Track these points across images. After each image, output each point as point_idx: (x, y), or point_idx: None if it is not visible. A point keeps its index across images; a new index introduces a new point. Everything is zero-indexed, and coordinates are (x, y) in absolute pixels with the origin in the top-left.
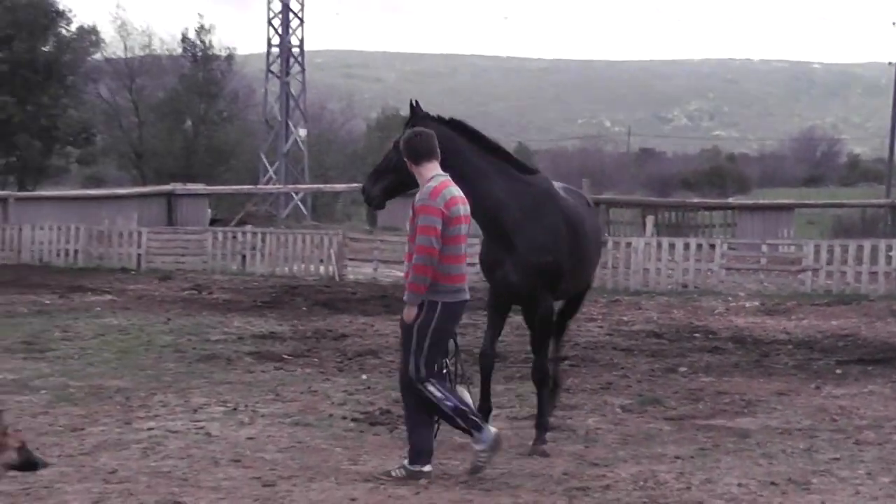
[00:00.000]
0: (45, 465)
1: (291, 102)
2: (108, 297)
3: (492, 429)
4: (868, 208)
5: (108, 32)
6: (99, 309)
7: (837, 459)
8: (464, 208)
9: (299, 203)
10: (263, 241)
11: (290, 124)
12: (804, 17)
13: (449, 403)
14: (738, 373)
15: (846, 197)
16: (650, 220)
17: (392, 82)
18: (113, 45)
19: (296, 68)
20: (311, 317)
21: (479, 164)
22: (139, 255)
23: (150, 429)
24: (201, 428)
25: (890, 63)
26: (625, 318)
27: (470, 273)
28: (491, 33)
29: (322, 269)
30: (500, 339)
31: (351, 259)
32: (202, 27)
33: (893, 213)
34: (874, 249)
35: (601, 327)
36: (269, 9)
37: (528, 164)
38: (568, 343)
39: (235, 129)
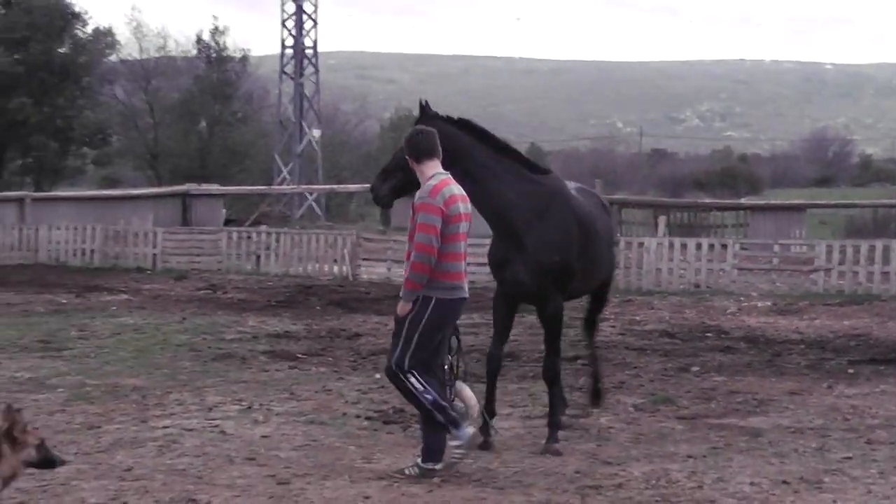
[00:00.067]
0: (63, 462)
1: (305, 103)
2: (124, 296)
3: (469, 427)
4: (880, 208)
5: (123, 34)
6: (115, 308)
7: (849, 458)
8: (464, 206)
9: (313, 203)
10: (278, 241)
11: (304, 125)
12: (816, 18)
13: (429, 397)
14: (750, 372)
15: (858, 197)
16: (662, 220)
17: (405, 83)
18: (128, 47)
19: (309, 70)
20: (326, 316)
21: (488, 163)
22: (155, 254)
23: (165, 427)
24: (216, 426)
25: None
26: (637, 318)
27: (481, 273)
28: (503, 35)
29: (336, 268)
30: (510, 339)
31: (364, 259)
32: (217, 29)
33: None
34: (886, 249)
35: (613, 327)
36: (282, 11)
37: (538, 164)
38: (580, 342)
39: (250, 129)
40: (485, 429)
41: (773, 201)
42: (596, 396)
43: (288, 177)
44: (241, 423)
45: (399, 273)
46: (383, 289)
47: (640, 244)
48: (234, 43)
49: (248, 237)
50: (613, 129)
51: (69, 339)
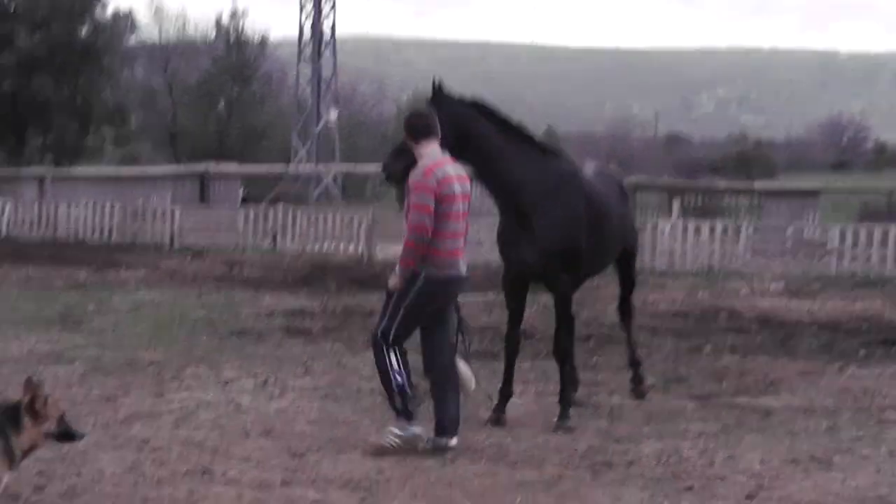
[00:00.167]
0: (83, 436)
1: (323, 85)
2: (142, 272)
3: (417, 429)
4: (894, 194)
5: (143, 17)
6: (133, 284)
7: (860, 438)
8: (460, 186)
9: (330, 183)
10: (294, 220)
11: (322, 107)
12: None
13: (399, 379)
14: (762, 353)
15: (873, 182)
16: (676, 203)
17: (422, 67)
18: (148, 30)
19: (327, 53)
20: (341, 294)
21: (499, 144)
22: (172, 232)
23: (182, 400)
24: (232, 400)
25: None
26: (650, 299)
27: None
28: (521, 21)
29: (352, 248)
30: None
31: (380, 238)
32: (235, 12)
33: None
34: None
35: None
36: None
37: (550, 146)
38: (594, 322)
39: (268, 111)
40: (500, 406)
41: (787, 185)
42: (637, 383)
43: (305, 157)
44: (256, 398)
45: None
46: None
47: (655, 226)
48: (253, 26)
49: (265, 216)
50: (629, 114)
51: (87, 314)
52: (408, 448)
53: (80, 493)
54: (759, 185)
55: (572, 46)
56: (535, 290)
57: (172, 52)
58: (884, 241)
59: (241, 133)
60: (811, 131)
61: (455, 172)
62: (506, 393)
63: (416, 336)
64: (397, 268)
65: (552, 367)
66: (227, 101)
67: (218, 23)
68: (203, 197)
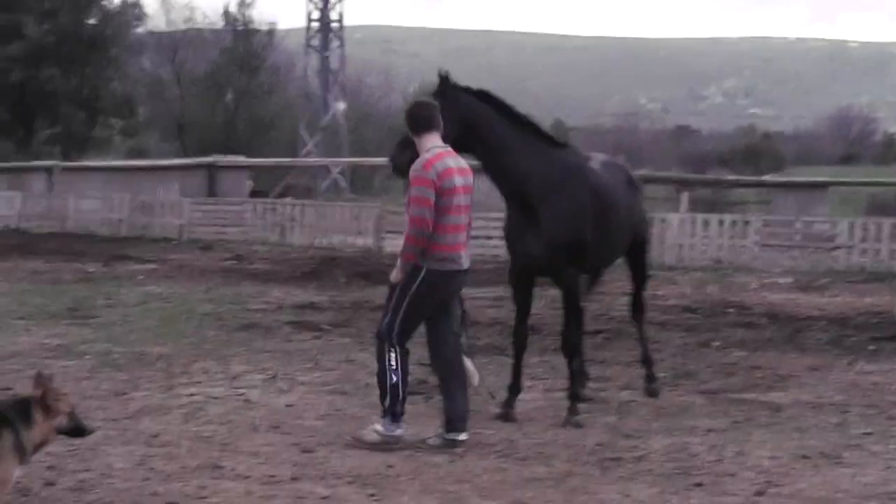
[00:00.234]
0: (93, 431)
1: (330, 77)
2: (151, 265)
3: (399, 431)
4: None
5: (151, 6)
6: (141, 277)
7: (869, 434)
8: (461, 179)
9: (338, 176)
10: (302, 213)
11: (329, 98)
12: None
13: (394, 378)
14: (771, 348)
15: (881, 175)
16: (685, 196)
17: (430, 58)
18: (156, 19)
19: (335, 43)
20: (350, 288)
21: (505, 135)
22: (181, 225)
23: (191, 394)
24: (241, 395)
25: None
26: (659, 293)
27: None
28: (529, 10)
29: (360, 241)
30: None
31: (389, 232)
32: (243, 2)
33: None
34: None
35: None
36: None
37: (557, 138)
38: (602, 317)
39: (275, 102)
40: (509, 401)
41: (795, 178)
42: (650, 381)
43: (313, 149)
44: (265, 392)
45: None
46: None
47: (663, 220)
48: (261, 16)
49: (273, 209)
50: (637, 106)
51: (96, 307)
52: (390, 448)
53: (89, 488)
54: (768, 177)
55: (580, 35)
56: (540, 284)
57: (180, 42)
58: (893, 235)
59: (248, 124)
60: (820, 124)
61: (456, 165)
62: (514, 388)
63: (422, 330)
64: (399, 262)
65: (561, 362)
66: (235, 92)
67: (226, 12)
68: (211, 189)
